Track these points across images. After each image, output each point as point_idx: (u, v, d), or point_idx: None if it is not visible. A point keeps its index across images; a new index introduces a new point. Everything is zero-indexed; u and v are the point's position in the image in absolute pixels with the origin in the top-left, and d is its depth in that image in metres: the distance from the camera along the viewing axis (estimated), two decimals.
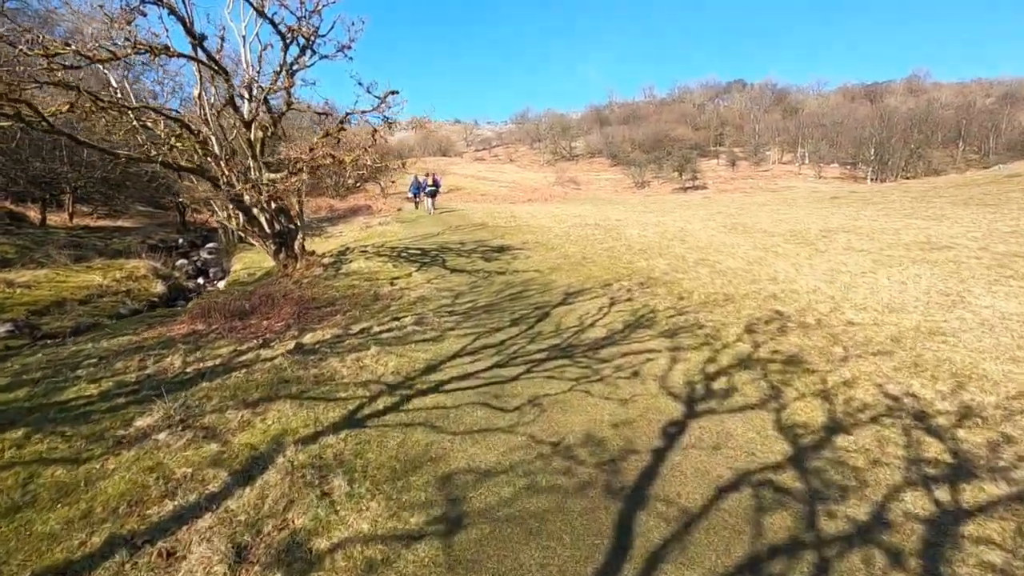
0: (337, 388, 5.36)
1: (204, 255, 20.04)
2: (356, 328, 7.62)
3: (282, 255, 12.18)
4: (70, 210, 25.71)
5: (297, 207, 12.94)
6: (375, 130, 10.60)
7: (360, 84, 10.54)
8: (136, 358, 6.28)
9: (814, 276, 10.06)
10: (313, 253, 12.66)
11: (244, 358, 6.34)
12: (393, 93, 10.83)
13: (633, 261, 11.96)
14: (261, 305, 8.69)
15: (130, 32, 7.79)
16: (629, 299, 8.84)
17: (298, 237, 12.42)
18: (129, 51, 8.41)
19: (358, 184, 41.86)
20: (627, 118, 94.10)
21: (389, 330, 7.52)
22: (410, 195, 27.84)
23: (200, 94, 10.94)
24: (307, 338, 7.07)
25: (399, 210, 27.77)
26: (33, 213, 24.73)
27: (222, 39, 10.96)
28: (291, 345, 6.73)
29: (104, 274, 13.02)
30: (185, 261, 18.52)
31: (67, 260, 15.13)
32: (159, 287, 13.52)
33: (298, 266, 11.84)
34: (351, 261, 12.51)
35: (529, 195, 44.28)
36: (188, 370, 5.96)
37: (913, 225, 15.33)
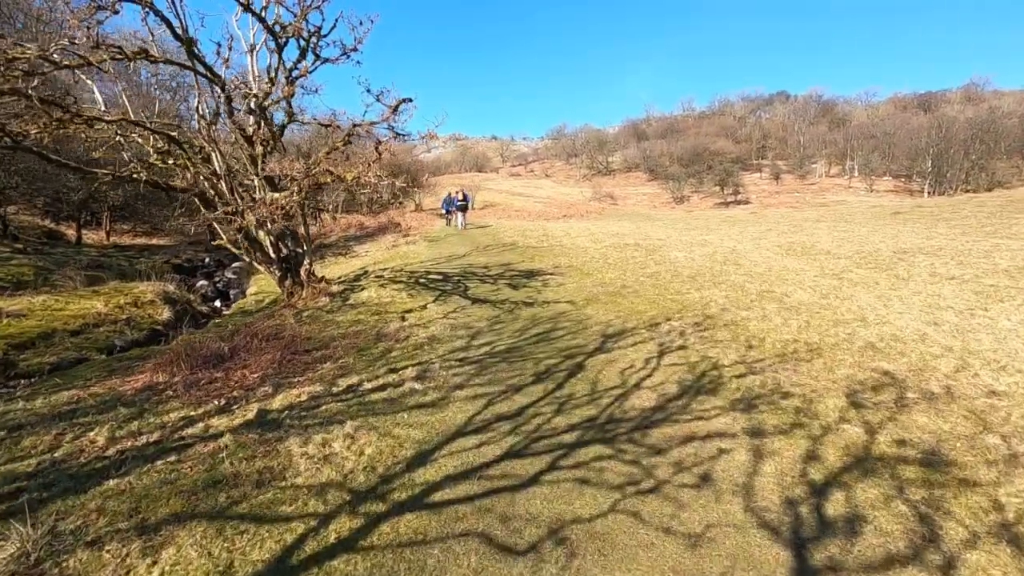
0: (282, 498, 3.76)
1: (229, 275, 19.08)
2: (343, 384, 6.06)
3: (288, 282, 10.87)
4: (107, 228, 25.44)
5: (303, 229, 11.60)
6: (379, 142, 9.18)
7: (369, 91, 9.17)
8: (54, 430, 4.88)
9: (911, 315, 8.00)
10: (322, 280, 11.30)
11: (188, 432, 4.85)
12: (406, 101, 9.39)
13: (683, 291, 10.09)
14: (243, 347, 7.27)
15: (92, 32, 6.57)
16: (683, 346, 7.02)
17: (305, 262, 11.08)
18: (104, 56, 7.23)
19: (392, 201, 41.15)
20: (665, 132, 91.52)
21: (382, 388, 5.92)
22: (443, 211, 27.21)
23: (199, 106, 9.78)
24: (277, 400, 5.54)
25: (430, 228, 26.51)
26: (71, 232, 24.52)
27: (230, 47, 9.85)
28: (253, 412, 5.20)
29: (107, 300, 12.00)
30: (206, 282, 17.57)
31: (79, 283, 14.25)
32: (165, 313, 12.43)
33: (303, 295, 10.49)
34: (363, 289, 11.07)
35: (564, 211, 42.59)
36: (109, 452, 4.50)
37: (1003, 246, 12.97)
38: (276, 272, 10.86)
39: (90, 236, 25.08)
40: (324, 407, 5.38)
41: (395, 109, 9.39)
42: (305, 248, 11.21)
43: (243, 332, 7.78)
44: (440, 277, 12.48)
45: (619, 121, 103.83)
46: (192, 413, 5.31)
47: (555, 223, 30.08)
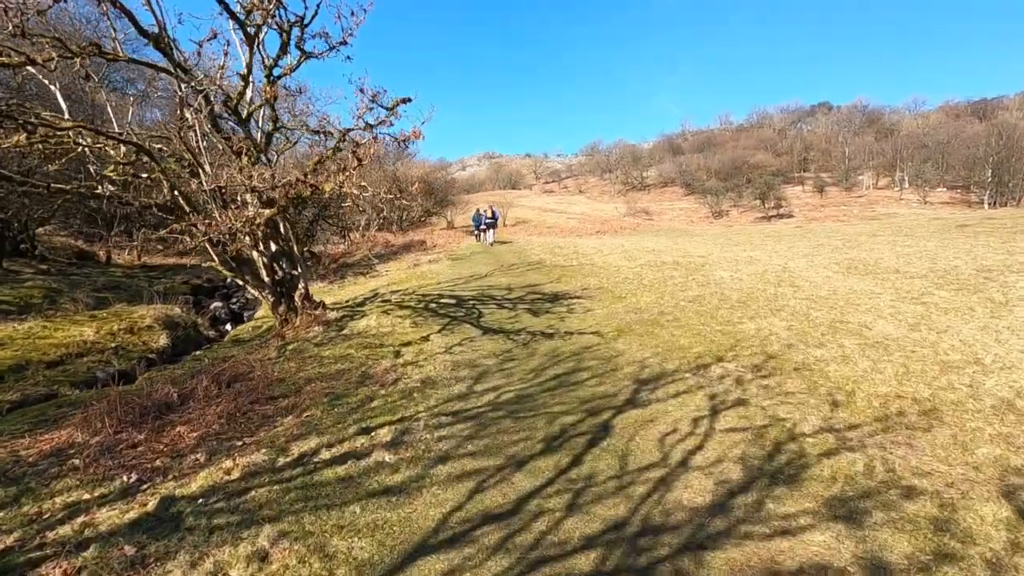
0: None
1: (247, 296, 18.17)
2: (295, 451, 4.59)
3: (282, 308, 9.61)
4: (139, 248, 25.17)
5: (295, 248, 10.32)
6: (356, 145, 7.82)
7: (362, 92, 7.87)
8: None
9: None
10: (320, 306, 9.99)
11: (56, 535, 3.46)
12: (404, 101, 8.03)
13: (734, 320, 8.31)
14: (199, 393, 5.93)
15: (16, 25, 5.45)
16: (742, 400, 5.28)
17: (299, 286, 9.80)
18: (52, 55, 6.14)
19: (423, 219, 40.31)
20: (702, 146, 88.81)
21: (342, 459, 4.42)
22: (473, 228, 26.58)
23: (181, 112, 8.67)
24: (199, 479, 4.11)
25: (457, 246, 25.26)
26: (103, 252, 24.32)
27: (207, 40, 8.77)
28: (154, 502, 3.78)
29: (100, 326, 11.04)
30: (221, 304, 16.66)
31: (83, 307, 13.45)
32: (162, 340, 11.40)
33: (296, 323, 9.20)
34: (364, 315, 9.70)
35: (598, 227, 40.84)
36: None
37: None
38: (269, 297, 9.61)
39: (122, 256, 24.84)
40: (254, 492, 3.91)
41: (393, 110, 8.06)
42: (300, 270, 9.94)
43: (206, 372, 6.45)
44: (453, 301, 11.01)
45: (654, 136, 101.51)
46: (85, 496, 3.94)
47: (587, 240, 28.42)
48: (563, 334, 8.35)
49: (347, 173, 7.06)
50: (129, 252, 25.40)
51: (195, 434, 4.95)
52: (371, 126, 7.84)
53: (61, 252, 21.43)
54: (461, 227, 39.16)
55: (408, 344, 7.96)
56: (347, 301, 12.07)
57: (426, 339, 8.25)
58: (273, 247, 9.74)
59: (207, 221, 7.20)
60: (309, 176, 7.29)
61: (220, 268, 9.68)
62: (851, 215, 58.52)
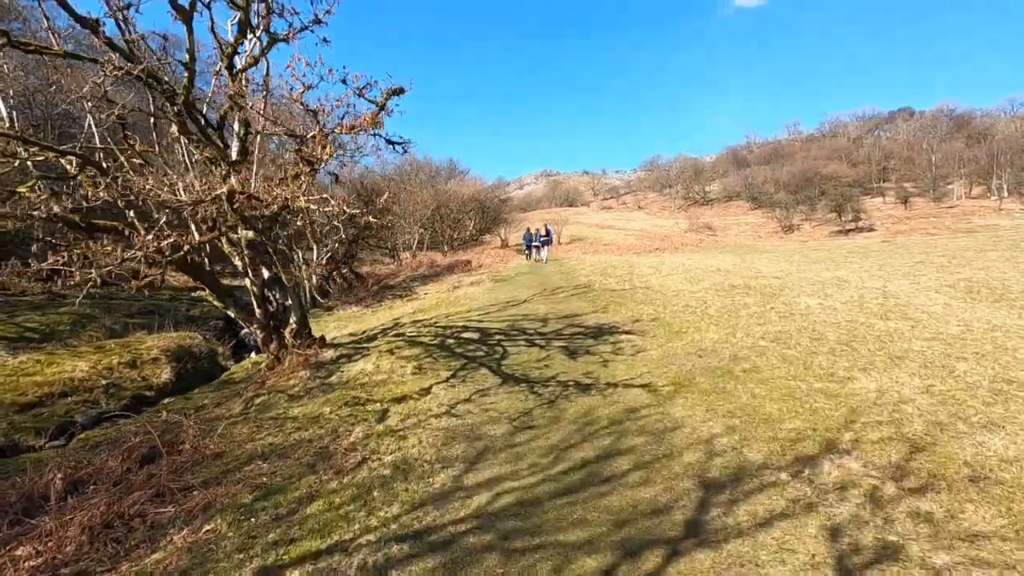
0: None
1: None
2: None
3: (273, 345, 8.10)
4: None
5: (270, 274, 8.70)
6: (301, 142, 6.11)
7: (344, 83, 6.21)
8: None
9: None
10: (314, 343, 8.34)
11: None
12: (397, 93, 6.31)
13: (838, 374, 5.92)
14: (104, 473, 4.35)
15: None
16: (891, 550, 3.03)
17: (291, 320, 8.24)
18: None
19: (476, 237, 39.03)
20: (768, 157, 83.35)
21: None
22: (524, 246, 25.84)
23: (153, 118, 7.39)
24: None
25: (504, 266, 23.52)
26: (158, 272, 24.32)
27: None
28: None
29: (99, 360, 10.01)
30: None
31: (104, 334, 12.69)
32: (165, 375, 10.25)
33: (285, 364, 7.63)
34: (367, 355, 7.98)
35: (657, 244, 38.03)
36: None
37: None
38: (259, 333, 8.14)
39: (178, 277, 24.77)
40: None
41: (382, 107, 6.37)
42: (291, 301, 8.38)
43: (121, 444, 4.88)
44: (477, 335, 9.12)
45: (716, 149, 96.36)
46: None
47: (645, 258, 25.95)
48: (603, 387, 6.24)
49: (299, 182, 5.38)
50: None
51: (33, 563, 3.29)
52: (353, 128, 6.14)
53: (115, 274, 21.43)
54: (515, 245, 37.53)
55: (402, 399, 6.13)
56: (361, 333, 10.48)
57: (427, 391, 6.39)
58: (265, 273, 8.27)
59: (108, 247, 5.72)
60: (259, 187, 5.67)
61: (209, 299, 8.31)
62: (943, 227, 52.16)
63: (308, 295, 16.13)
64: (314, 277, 16.24)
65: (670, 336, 8.55)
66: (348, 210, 5.68)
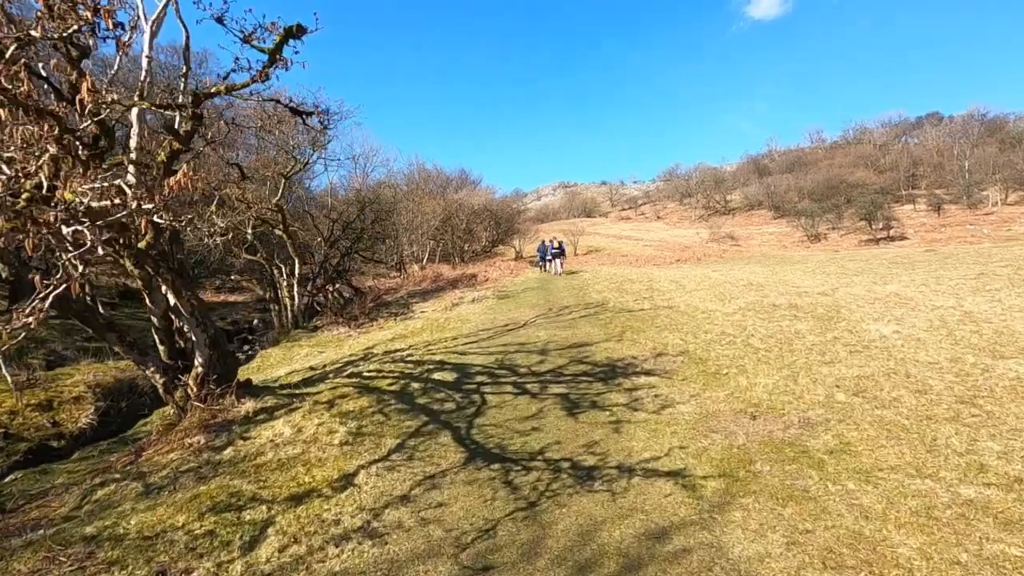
0: None
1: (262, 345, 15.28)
2: None
3: (178, 393, 6.06)
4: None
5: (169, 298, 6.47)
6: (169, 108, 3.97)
7: (222, 24, 4.08)
8: None
9: None
10: (234, 390, 6.17)
11: None
12: (295, 35, 4.20)
13: (991, 464, 3.63)
14: None
15: None
16: None
17: (196, 363, 6.11)
18: None
19: (488, 249, 36.98)
20: (791, 165, 79.85)
21: None
22: (538, 259, 24.84)
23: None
24: None
25: (512, 280, 21.35)
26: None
27: None
28: None
29: (2, 401, 8.13)
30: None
31: (39, 363, 10.93)
32: (84, 418, 8.30)
33: (184, 423, 5.56)
34: (293, 410, 5.79)
35: (678, 255, 35.50)
36: None
37: None
38: (158, 378, 6.10)
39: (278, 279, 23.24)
40: None
41: (274, 57, 4.29)
42: (196, 337, 6.26)
43: None
44: (454, 376, 6.94)
45: (736, 158, 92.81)
46: None
47: (665, 270, 23.50)
48: (612, 475, 4.02)
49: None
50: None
51: None
52: (233, 89, 4.06)
53: (105, 291, 19.91)
54: (529, 257, 35.38)
55: (304, 497, 3.96)
56: (321, 368, 8.39)
57: (349, 480, 4.21)
58: (170, 298, 6.24)
59: None
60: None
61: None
62: (982, 235, 48.41)
63: (290, 315, 14.21)
64: (297, 296, 14.32)
65: (706, 380, 6.27)
66: (146, 206, 3.62)
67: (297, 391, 6.51)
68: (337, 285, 17.78)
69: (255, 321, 17.82)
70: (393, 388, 6.45)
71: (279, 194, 12.92)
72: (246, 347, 14.70)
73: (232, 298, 23.71)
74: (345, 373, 7.36)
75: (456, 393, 6.28)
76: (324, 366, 8.63)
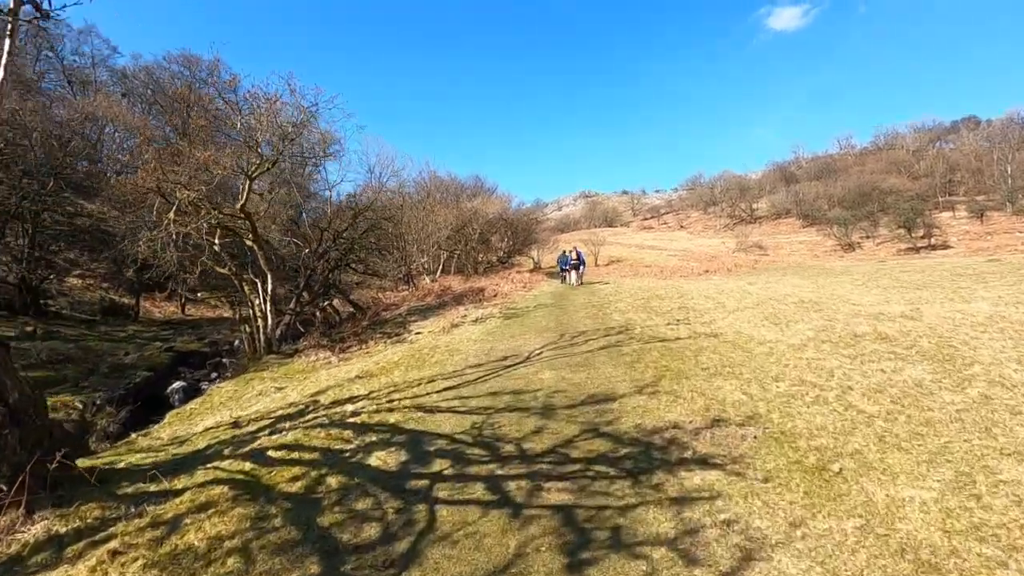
0: None
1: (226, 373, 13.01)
2: None
3: None
4: (182, 301, 21.65)
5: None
6: None
7: None
8: None
9: None
10: (59, 486, 3.81)
11: None
12: None
13: None
14: None
15: None
16: None
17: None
18: None
19: (504, 260, 34.47)
20: (819, 172, 75.47)
21: None
22: (559, 269, 23.29)
23: None
24: None
25: (525, 294, 18.77)
26: (149, 303, 21.03)
27: None
28: None
29: None
30: (181, 384, 11.51)
31: None
32: None
33: None
34: (92, 545, 3.35)
35: (705, 265, 32.39)
36: None
37: None
38: None
39: (166, 308, 21.35)
40: None
41: None
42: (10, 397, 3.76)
43: None
44: (401, 462, 4.38)
45: (761, 165, 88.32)
46: None
47: (695, 283, 20.62)
48: None
49: None
50: (173, 303, 21.93)
51: None
52: None
53: (87, 306, 18.07)
54: (547, 267, 32.78)
55: None
56: (228, 429, 5.95)
57: None
58: None
59: None
60: None
61: None
62: None
63: (263, 337, 11.94)
64: (270, 315, 12.06)
65: (807, 485, 3.60)
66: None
67: (151, 487, 4.07)
68: (327, 302, 15.52)
69: (236, 342, 15.63)
70: (297, 487, 3.95)
71: (244, 198, 10.71)
72: (215, 375, 12.43)
73: (218, 313, 21.71)
74: (251, 446, 4.91)
75: (393, 499, 3.73)
76: (249, 421, 6.20)
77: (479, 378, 7.03)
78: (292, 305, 13.69)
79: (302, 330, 13.99)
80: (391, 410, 5.77)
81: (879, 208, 60.22)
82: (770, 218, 69.84)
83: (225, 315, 21.11)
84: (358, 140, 73.61)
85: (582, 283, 21.01)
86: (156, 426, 7.99)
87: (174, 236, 10.58)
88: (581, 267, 22.75)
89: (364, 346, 13.05)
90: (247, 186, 10.68)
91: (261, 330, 11.93)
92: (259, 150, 10.33)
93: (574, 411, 5.33)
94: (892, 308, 10.81)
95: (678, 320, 10.55)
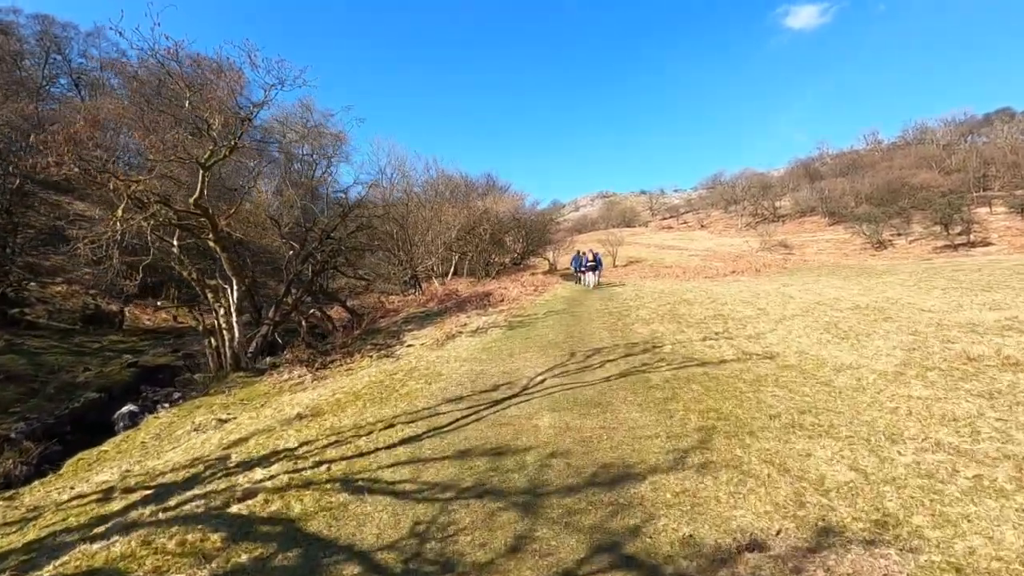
0: None
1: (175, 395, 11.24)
2: None
3: None
4: (175, 306, 20.11)
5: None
6: None
7: None
8: None
9: None
10: None
11: None
12: None
13: None
14: None
15: None
16: None
17: None
18: None
19: (517, 261, 32.39)
20: (845, 169, 71.53)
21: None
22: (572, 270, 22.38)
23: None
24: None
25: (535, 299, 16.68)
26: (140, 311, 19.53)
27: None
28: None
29: None
30: (132, 409, 9.77)
31: None
32: None
33: None
34: None
35: (731, 265, 29.82)
36: None
37: None
38: None
39: (158, 316, 19.82)
40: None
41: None
42: None
43: None
44: None
45: (783, 162, 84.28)
46: None
47: (724, 285, 18.29)
48: None
49: None
50: (156, 309, 20.38)
51: None
52: None
53: (67, 315, 16.60)
54: (564, 269, 30.61)
55: None
56: (96, 498, 4.07)
57: None
58: None
59: None
60: None
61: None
62: None
63: (229, 352, 10.15)
64: (236, 327, 10.26)
65: None
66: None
67: None
68: (312, 309, 13.69)
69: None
70: None
71: (198, 191, 8.90)
72: (177, 395, 10.65)
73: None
74: (62, 558, 3.00)
75: None
76: (135, 486, 4.29)
77: (453, 423, 5.00)
78: (271, 313, 11.89)
79: (281, 342, 12.17)
80: (307, 485, 3.78)
81: (911, 204, 56.43)
82: (794, 216, 66.26)
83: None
84: (366, 140, 72.05)
85: (600, 284, 19.68)
86: (51, 475, 6.15)
87: (119, 236, 8.84)
88: (598, 268, 20.96)
89: (348, 360, 11.16)
90: (202, 177, 8.87)
91: (227, 343, 10.13)
92: (211, 134, 8.52)
93: (579, 501, 3.25)
94: (979, 316, 8.46)
95: (716, 333, 8.36)
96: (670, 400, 5.01)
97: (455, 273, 25.71)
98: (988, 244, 45.94)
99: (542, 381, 6.27)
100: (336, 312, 18.10)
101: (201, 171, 8.75)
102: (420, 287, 22.43)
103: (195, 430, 6.83)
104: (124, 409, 9.56)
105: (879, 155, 75.94)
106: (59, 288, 17.70)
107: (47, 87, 29.62)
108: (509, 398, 5.69)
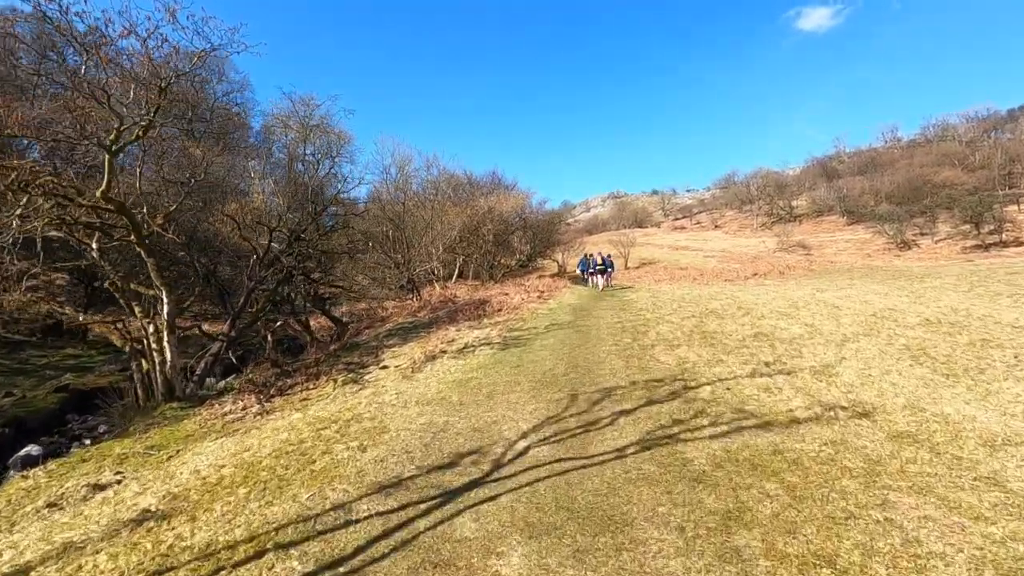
0: None
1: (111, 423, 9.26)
2: None
3: None
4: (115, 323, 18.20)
5: None
6: None
7: None
8: None
9: None
10: None
11: None
12: None
13: None
14: None
15: None
16: None
17: None
18: None
19: (524, 264, 30.19)
20: (863, 167, 68.03)
21: None
22: (579, 272, 21.43)
23: None
24: None
25: (538, 307, 14.47)
26: (112, 320, 17.70)
27: None
28: None
29: None
30: (32, 449, 7.86)
31: None
32: None
33: None
34: None
35: (750, 267, 27.29)
36: None
37: None
38: None
39: (130, 325, 17.94)
40: None
41: None
42: None
43: None
44: None
45: (799, 161, 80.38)
46: None
47: (749, 289, 15.80)
48: None
49: None
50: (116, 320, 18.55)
51: None
52: None
53: (25, 325, 14.85)
54: (573, 271, 28.35)
55: None
56: None
57: None
58: None
59: None
60: None
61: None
62: None
63: (160, 378, 8.16)
64: (168, 347, 8.27)
65: None
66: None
67: None
68: (280, 322, 11.67)
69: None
70: None
71: (105, 181, 6.90)
72: (103, 429, 8.65)
73: (217, 328, 18.20)
74: None
75: None
76: None
77: (359, 552, 2.85)
78: (226, 329, 9.91)
79: (236, 364, 10.15)
80: None
81: (936, 203, 52.97)
82: (811, 216, 62.98)
83: (216, 329, 17.64)
84: (370, 140, 70.24)
85: (610, 285, 18.94)
86: None
87: (18, 236, 6.91)
88: (609, 270, 18.90)
89: (311, 385, 9.13)
90: (108, 163, 6.87)
91: (158, 367, 8.13)
92: (110, 106, 6.51)
93: None
94: None
95: (767, 364, 6.09)
96: (733, 520, 2.80)
97: (460, 276, 23.62)
98: (1021, 244, 42.54)
99: (524, 451, 4.10)
100: (323, 321, 16.13)
101: (107, 155, 6.77)
102: (418, 292, 20.34)
103: (47, 507, 4.79)
104: (23, 452, 7.60)
105: (899, 152, 72.10)
106: (12, 296, 16.00)
107: (47, 88, 28.10)
108: (468, 488, 3.53)
